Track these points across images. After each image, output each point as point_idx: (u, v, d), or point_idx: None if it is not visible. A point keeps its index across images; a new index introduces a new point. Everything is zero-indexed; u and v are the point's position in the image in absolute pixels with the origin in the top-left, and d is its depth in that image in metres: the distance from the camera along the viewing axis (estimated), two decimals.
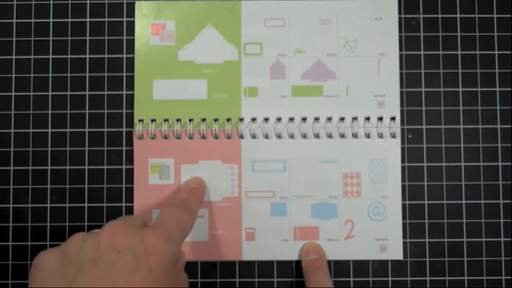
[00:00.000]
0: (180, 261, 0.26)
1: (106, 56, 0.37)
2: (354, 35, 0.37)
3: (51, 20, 0.37)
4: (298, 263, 0.36)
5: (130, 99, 0.37)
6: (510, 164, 0.36)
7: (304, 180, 0.36)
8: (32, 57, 0.37)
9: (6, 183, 0.36)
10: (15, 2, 0.37)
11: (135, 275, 0.22)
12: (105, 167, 0.36)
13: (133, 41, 0.37)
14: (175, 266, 0.25)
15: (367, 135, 0.36)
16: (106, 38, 0.37)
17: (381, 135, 0.36)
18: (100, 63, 0.37)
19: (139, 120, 0.36)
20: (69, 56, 0.37)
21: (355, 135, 0.36)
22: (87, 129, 0.37)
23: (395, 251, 0.36)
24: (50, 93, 0.37)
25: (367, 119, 0.36)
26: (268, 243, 0.36)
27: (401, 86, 0.37)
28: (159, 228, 0.25)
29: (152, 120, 0.36)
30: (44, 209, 0.36)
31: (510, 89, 0.37)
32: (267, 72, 0.36)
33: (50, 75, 0.37)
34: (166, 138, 0.36)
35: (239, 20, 0.37)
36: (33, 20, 0.37)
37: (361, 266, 0.36)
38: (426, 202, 0.36)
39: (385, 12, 0.37)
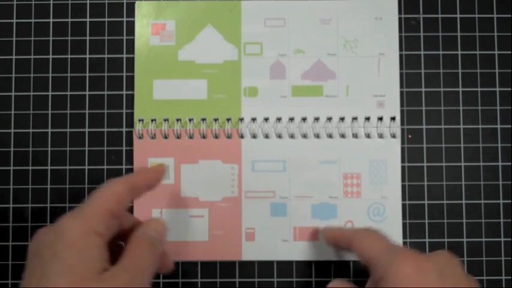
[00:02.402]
0: None
1: (106, 56, 0.37)
2: (354, 35, 0.37)
3: (51, 20, 0.37)
4: (298, 263, 0.36)
5: (131, 99, 0.37)
6: (510, 164, 0.36)
7: (304, 180, 0.36)
8: (32, 57, 0.37)
9: (6, 183, 0.36)
10: (15, 2, 0.37)
11: None
12: (105, 167, 0.36)
13: (133, 41, 0.37)
14: None
15: (367, 136, 0.36)
16: (106, 38, 0.37)
17: (381, 136, 0.36)
18: (100, 63, 0.37)
19: (139, 120, 0.36)
20: (69, 56, 0.37)
21: (355, 136, 0.36)
22: (87, 129, 0.37)
23: None
24: (50, 93, 0.37)
25: (367, 119, 0.36)
26: (268, 243, 0.36)
27: (401, 86, 0.37)
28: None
29: (152, 120, 0.36)
30: (44, 209, 0.36)
31: (510, 89, 0.37)
32: (267, 72, 0.36)
33: (50, 75, 0.37)
34: (166, 138, 0.36)
35: (239, 20, 0.37)
36: (33, 20, 0.37)
37: (361, 266, 0.36)
38: (426, 202, 0.36)
39: (385, 12, 0.37)
